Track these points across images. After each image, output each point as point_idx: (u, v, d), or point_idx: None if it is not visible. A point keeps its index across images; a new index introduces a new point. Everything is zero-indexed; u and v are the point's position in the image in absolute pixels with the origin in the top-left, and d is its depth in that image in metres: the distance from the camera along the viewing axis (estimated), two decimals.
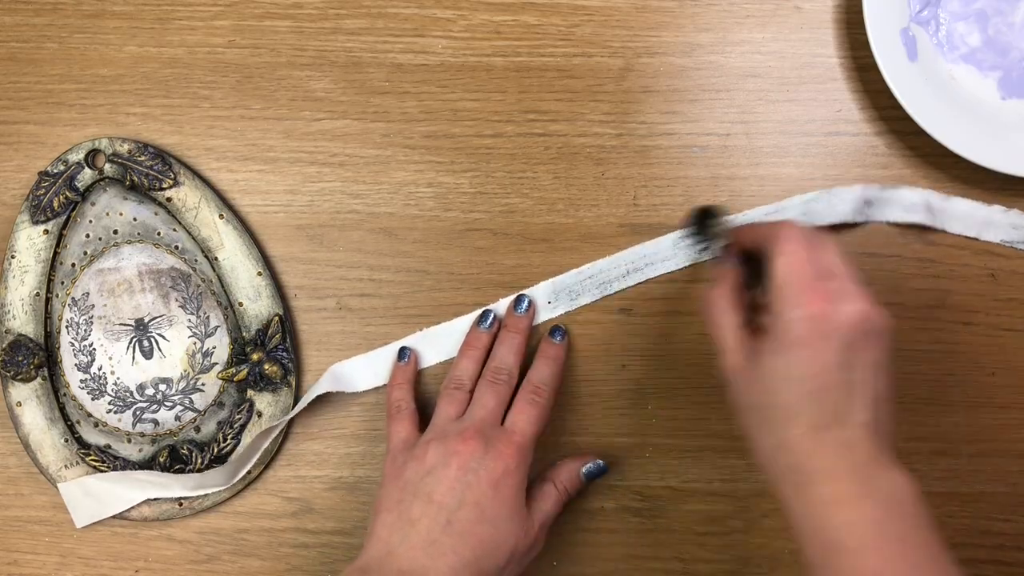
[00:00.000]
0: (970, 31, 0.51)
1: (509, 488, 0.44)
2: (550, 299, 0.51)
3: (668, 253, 0.51)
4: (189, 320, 0.51)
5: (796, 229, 0.40)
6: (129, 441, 0.52)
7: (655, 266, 0.51)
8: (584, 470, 0.49)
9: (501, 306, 0.51)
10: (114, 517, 0.52)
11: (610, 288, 0.51)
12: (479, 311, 0.51)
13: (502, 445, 0.45)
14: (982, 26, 0.51)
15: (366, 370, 0.52)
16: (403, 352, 0.51)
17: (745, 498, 0.51)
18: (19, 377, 0.51)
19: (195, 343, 0.52)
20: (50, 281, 0.52)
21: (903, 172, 0.51)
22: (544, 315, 0.51)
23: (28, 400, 0.51)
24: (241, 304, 0.51)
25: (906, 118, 0.49)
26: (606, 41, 0.52)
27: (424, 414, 0.50)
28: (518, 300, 0.51)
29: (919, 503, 0.37)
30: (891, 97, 0.49)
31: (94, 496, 0.51)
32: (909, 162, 0.51)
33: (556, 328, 0.51)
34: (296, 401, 0.52)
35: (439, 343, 0.52)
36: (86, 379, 0.52)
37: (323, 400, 0.52)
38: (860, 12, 0.49)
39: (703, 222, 0.46)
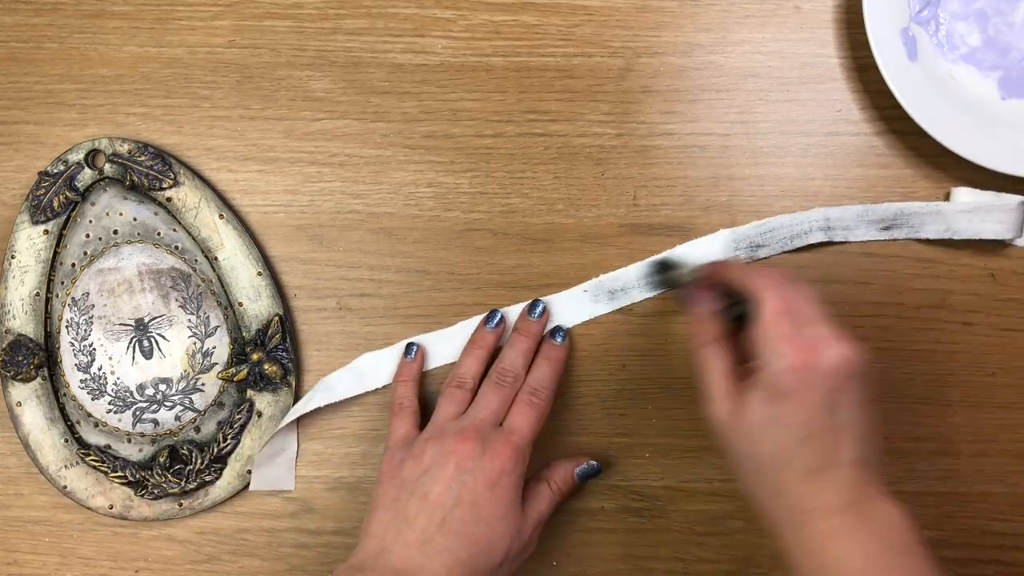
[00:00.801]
0: (970, 31, 0.51)
1: (505, 489, 0.44)
2: (735, 248, 0.51)
3: (852, 223, 0.51)
4: (189, 320, 0.51)
5: (775, 275, 0.41)
6: (129, 441, 0.52)
7: (837, 232, 0.50)
8: (578, 471, 0.49)
9: (514, 311, 0.51)
10: (114, 517, 0.52)
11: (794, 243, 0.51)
12: (487, 312, 0.51)
13: (499, 446, 0.45)
14: (982, 26, 0.51)
15: (352, 380, 0.52)
16: (410, 348, 0.51)
17: (745, 498, 0.51)
18: (19, 377, 0.51)
19: (195, 343, 0.52)
20: (50, 281, 0.52)
21: (903, 172, 0.51)
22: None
23: (28, 400, 0.51)
24: (241, 304, 0.51)
25: (906, 118, 0.49)
26: (606, 41, 0.52)
27: (427, 413, 0.50)
28: (533, 305, 0.50)
29: (911, 531, 0.38)
30: (891, 97, 0.49)
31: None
32: (909, 162, 0.51)
33: (557, 328, 0.51)
34: (296, 401, 0.52)
35: (445, 345, 0.52)
36: (86, 379, 0.52)
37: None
38: (860, 12, 0.49)
39: (662, 273, 0.49)
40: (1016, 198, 0.49)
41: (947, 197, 0.51)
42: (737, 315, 0.43)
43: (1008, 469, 0.51)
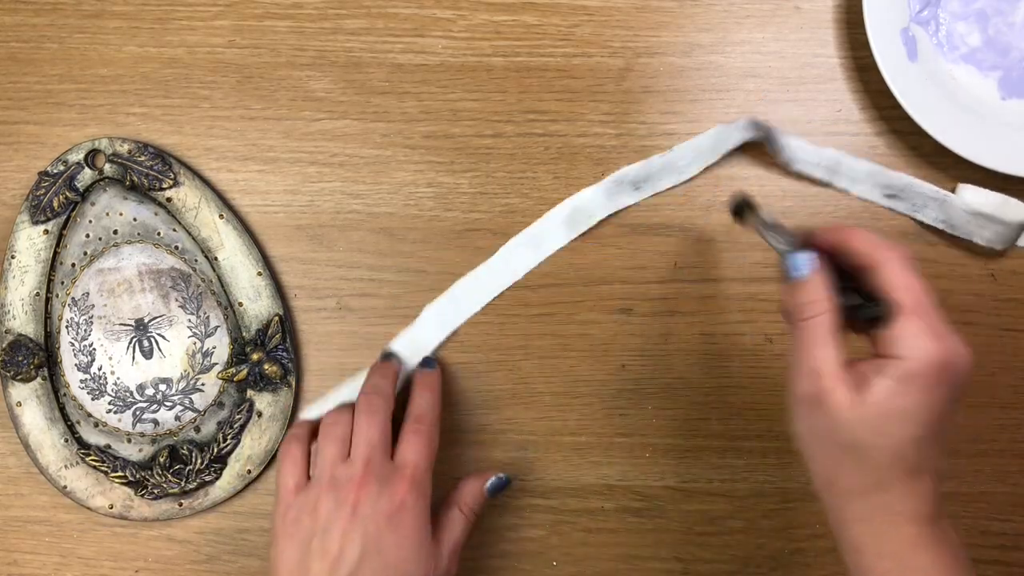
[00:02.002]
0: (970, 31, 0.51)
1: (409, 526, 0.43)
2: (612, 191, 0.51)
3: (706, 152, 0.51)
4: (189, 320, 0.51)
5: (910, 259, 0.38)
6: (129, 441, 0.52)
7: (843, 178, 0.50)
8: (488, 487, 0.49)
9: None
10: (114, 517, 0.52)
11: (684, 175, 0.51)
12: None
13: (396, 483, 0.43)
14: (982, 26, 0.51)
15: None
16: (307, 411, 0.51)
17: (745, 498, 0.51)
18: (19, 377, 0.51)
19: (195, 343, 0.52)
20: (50, 281, 0.52)
21: (903, 172, 0.51)
22: (606, 210, 0.51)
23: (28, 400, 0.51)
24: (241, 304, 0.51)
25: (906, 118, 0.49)
26: (606, 41, 0.52)
27: None
28: (386, 356, 0.51)
29: (969, 559, 0.38)
30: (891, 97, 0.49)
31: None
32: (909, 162, 0.51)
33: (426, 359, 0.51)
34: (296, 401, 0.52)
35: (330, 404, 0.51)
36: (86, 379, 0.52)
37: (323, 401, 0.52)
38: (860, 12, 0.49)
39: (742, 213, 0.44)
40: (1020, 214, 0.49)
41: (955, 191, 0.51)
42: (868, 317, 0.38)
43: (1008, 469, 0.51)
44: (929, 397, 0.36)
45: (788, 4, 0.52)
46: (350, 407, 0.47)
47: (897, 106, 0.49)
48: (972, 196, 0.50)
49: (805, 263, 0.39)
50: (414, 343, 0.51)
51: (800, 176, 0.51)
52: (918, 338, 0.36)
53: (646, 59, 0.52)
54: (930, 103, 0.49)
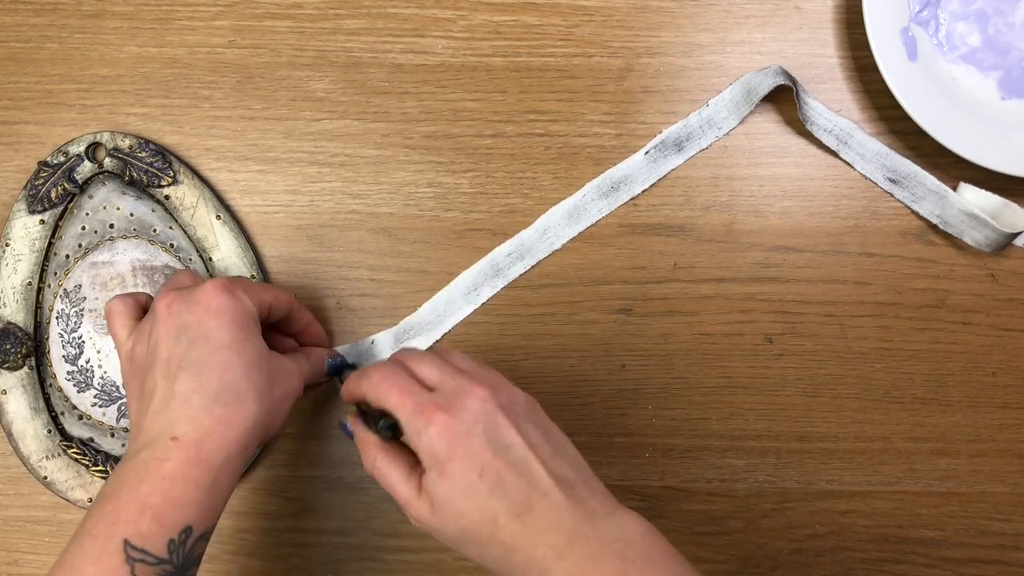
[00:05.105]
0: (970, 31, 0.51)
1: (234, 316, 0.41)
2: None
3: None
4: None
5: (385, 370, 0.39)
6: (112, 436, 0.52)
7: (851, 151, 0.51)
8: (329, 360, 0.49)
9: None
10: None
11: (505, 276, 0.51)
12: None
13: (208, 285, 0.42)
14: (982, 26, 0.51)
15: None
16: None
17: (745, 498, 0.51)
18: (6, 365, 0.51)
19: None
20: (43, 271, 0.52)
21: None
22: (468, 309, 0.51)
23: (13, 389, 0.51)
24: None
25: (906, 118, 0.49)
26: (606, 41, 0.52)
27: None
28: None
29: (651, 536, 0.37)
30: (891, 97, 0.49)
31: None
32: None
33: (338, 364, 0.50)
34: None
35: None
36: (73, 371, 0.52)
37: (323, 400, 0.52)
38: (860, 12, 0.49)
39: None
40: (1016, 222, 0.49)
41: (956, 189, 0.51)
42: (388, 426, 0.40)
43: (1008, 469, 0.51)
44: (459, 458, 0.37)
45: (788, 4, 0.52)
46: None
47: (897, 106, 0.49)
48: (972, 196, 0.50)
49: (345, 426, 0.43)
50: (448, 303, 0.51)
51: (811, 138, 0.51)
52: (410, 426, 0.38)
53: (646, 59, 0.52)
54: (930, 103, 0.49)
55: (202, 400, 0.39)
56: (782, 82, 0.49)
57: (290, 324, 0.48)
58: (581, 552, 0.36)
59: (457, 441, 0.37)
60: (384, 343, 0.51)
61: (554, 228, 0.51)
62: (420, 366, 0.40)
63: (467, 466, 0.37)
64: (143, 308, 0.45)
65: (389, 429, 0.40)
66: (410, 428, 0.38)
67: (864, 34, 0.49)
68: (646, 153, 0.51)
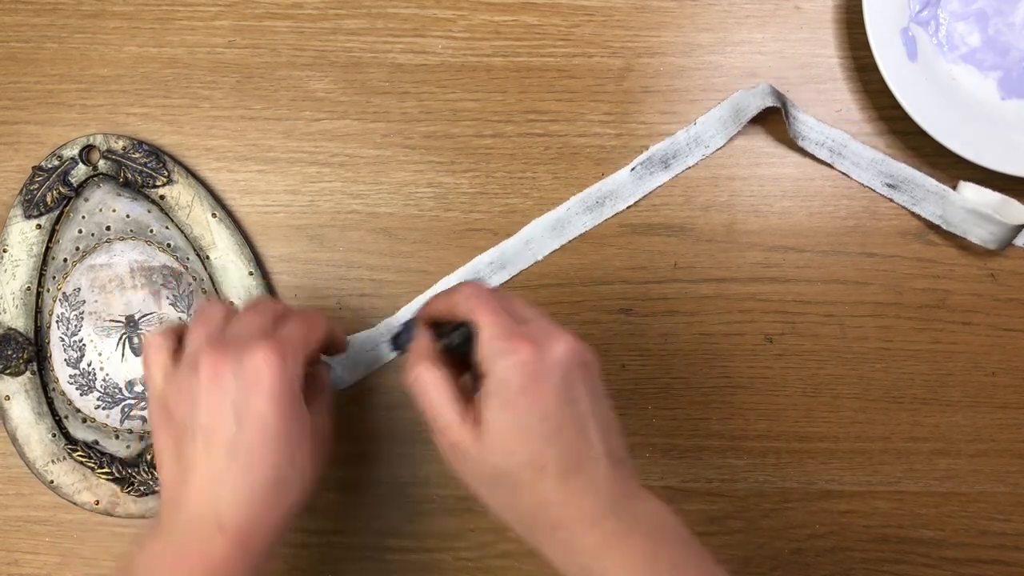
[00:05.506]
0: (970, 31, 0.51)
1: (283, 391, 0.38)
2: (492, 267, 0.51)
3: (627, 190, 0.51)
4: (180, 318, 0.51)
5: (478, 287, 0.39)
6: (117, 438, 0.52)
7: (846, 161, 0.51)
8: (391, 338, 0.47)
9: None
10: (100, 513, 0.52)
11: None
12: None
13: (255, 346, 0.38)
14: (982, 26, 0.51)
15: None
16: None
17: (745, 498, 0.51)
18: (8, 371, 0.51)
19: None
20: (41, 276, 0.52)
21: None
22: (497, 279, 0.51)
23: (17, 394, 0.51)
24: (232, 304, 0.51)
25: (906, 118, 0.49)
26: (606, 41, 0.52)
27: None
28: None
29: (680, 526, 0.37)
30: (891, 97, 0.49)
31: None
32: (909, 162, 0.51)
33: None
34: None
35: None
36: (75, 374, 0.52)
37: None
38: (860, 12, 0.49)
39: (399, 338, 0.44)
40: (1018, 216, 0.49)
41: (956, 188, 0.51)
42: (460, 341, 0.39)
43: (1008, 469, 0.51)
44: (532, 394, 0.36)
45: (788, 4, 0.52)
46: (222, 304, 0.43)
47: (897, 106, 0.49)
48: (972, 194, 0.50)
49: (398, 337, 0.43)
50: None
51: (804, 153, 0.51)
52: (492, 347, 0.37)
53: (646, 59, 0.52)
54: (930, 103, 0.49)
55: (249, 491, 0.38)
56: (771, 103, 0.49)
57: (325, 349, 0.45)
58: (613, 525, 0.35)
59: (534, 378, 0.36)
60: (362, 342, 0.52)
61: (537, 240, 0.51)
62: (513, 300, 0.39)
63: (535, 406, 0.36)
64: (181, 340, 0.41)
65: (461, 336, 0.39)
66: (491, 349, 0.37)
67: (864, 34, 0.49)
68: (632, 169, 0.51)
